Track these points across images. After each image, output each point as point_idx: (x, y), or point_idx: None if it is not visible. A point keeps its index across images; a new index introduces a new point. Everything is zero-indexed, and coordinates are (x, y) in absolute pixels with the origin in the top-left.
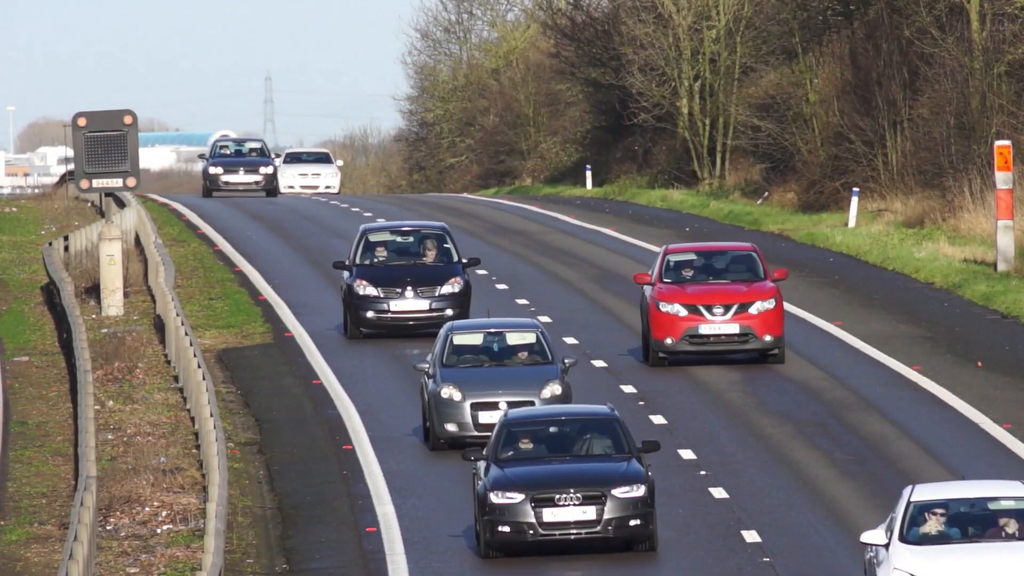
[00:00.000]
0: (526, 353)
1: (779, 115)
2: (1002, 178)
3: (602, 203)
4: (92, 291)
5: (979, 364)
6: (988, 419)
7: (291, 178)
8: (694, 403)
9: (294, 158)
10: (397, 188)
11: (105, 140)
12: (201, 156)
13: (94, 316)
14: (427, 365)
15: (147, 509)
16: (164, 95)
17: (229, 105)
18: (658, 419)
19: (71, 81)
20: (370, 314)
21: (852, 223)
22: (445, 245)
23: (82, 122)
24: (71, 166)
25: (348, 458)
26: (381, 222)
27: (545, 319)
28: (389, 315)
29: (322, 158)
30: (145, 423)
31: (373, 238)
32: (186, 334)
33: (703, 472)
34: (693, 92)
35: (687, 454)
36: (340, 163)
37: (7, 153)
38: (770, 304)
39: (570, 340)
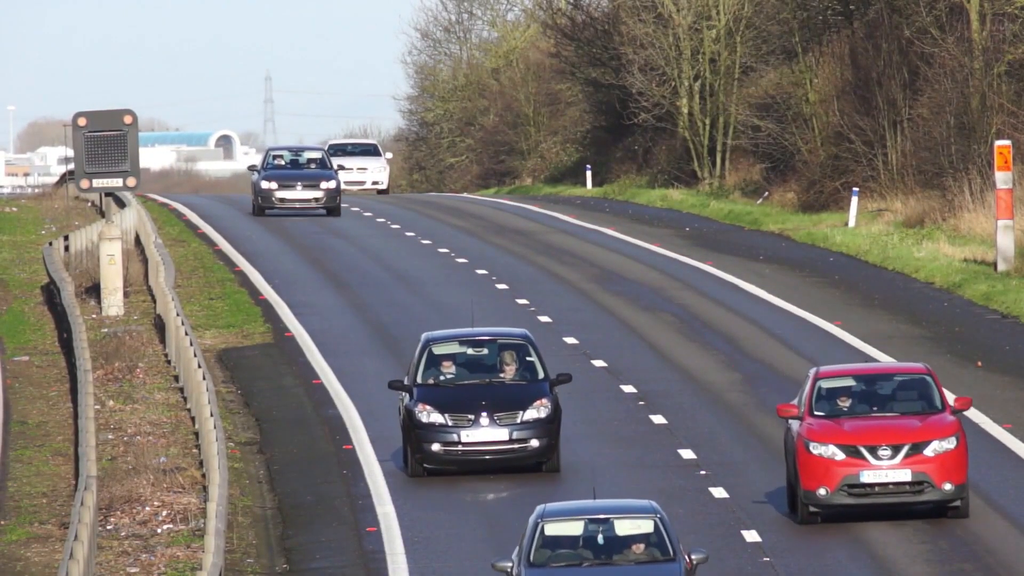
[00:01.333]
0: (642, 546)
1: (779, 115)
2: (1002, 178)
3: (602, 203)
4: (92, 291)
5: (979, 364)
6: (988, 419)
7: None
8: (694, 403)
9: (337, 150)
10: (397, 188)
11: (105, 140)
12: (252, 168)
13: (94, 316)
14: (510, 564)
15: (147, 509)
16: (164, 95)
17: (229, 105)
18: (658, 419)
19: (71, 81)
20: (436, 447)
21: (852, 223)
22: (528, 358)
23: (82, 122)
24: (71, 166)
25: (348, 458)
26: (446, 331)
27: (545, 319)
28: (460, 448)
29: (369, 150)
30: (145, 423)
31: (438, 350)
32: (186, 334)
33: (703, 472)
34: (693, 92)
35: (687, 454)
36: (389, 155)
37: (7, 153)
38: (950, 444)
39: (570, 340)
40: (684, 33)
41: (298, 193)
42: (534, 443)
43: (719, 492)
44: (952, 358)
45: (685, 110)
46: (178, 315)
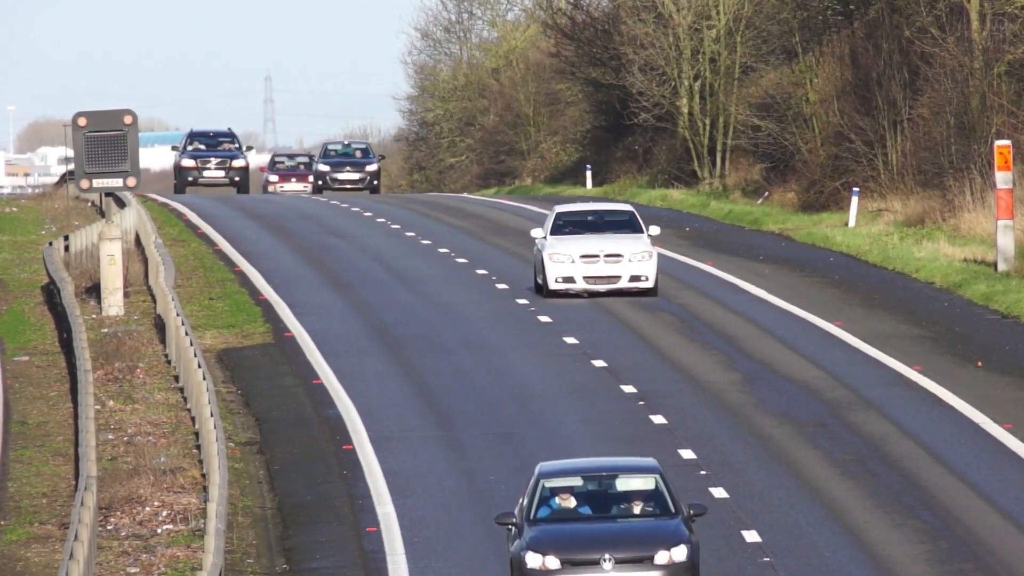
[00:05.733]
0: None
1: (779, 115)
2: (1002, 178)
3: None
4: (92, 291)
5: (979, 364)
6: (988, 419)
7: (564, 264)
8: (694, 403)
9: (571, 223)
10: (397, 188)
11: (105, 140)
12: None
13: (94, 316)
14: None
15: (147, 509)
16: (164, 95)
17: (229, 105)
18: (658, 419)
19: (71, 81)
20: None
21: (852, 223)
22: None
23: (82, 122)
24: (71, 166)
25: (348, 458)
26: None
27: (545, 319)
28: None
29: (626, 221)
30: (145, 423)
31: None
32: (186, 334)
33: (703, 472)
34: (693, 92)
35: (687, 454)
36: (656, 230)
37: (7, 153)
38: None
39: (570, 340)
40: (684, 33)
41: None
42: None
43: (719, 492)
44: (952, 358)
45: (685, 110)
46: (178, 315)
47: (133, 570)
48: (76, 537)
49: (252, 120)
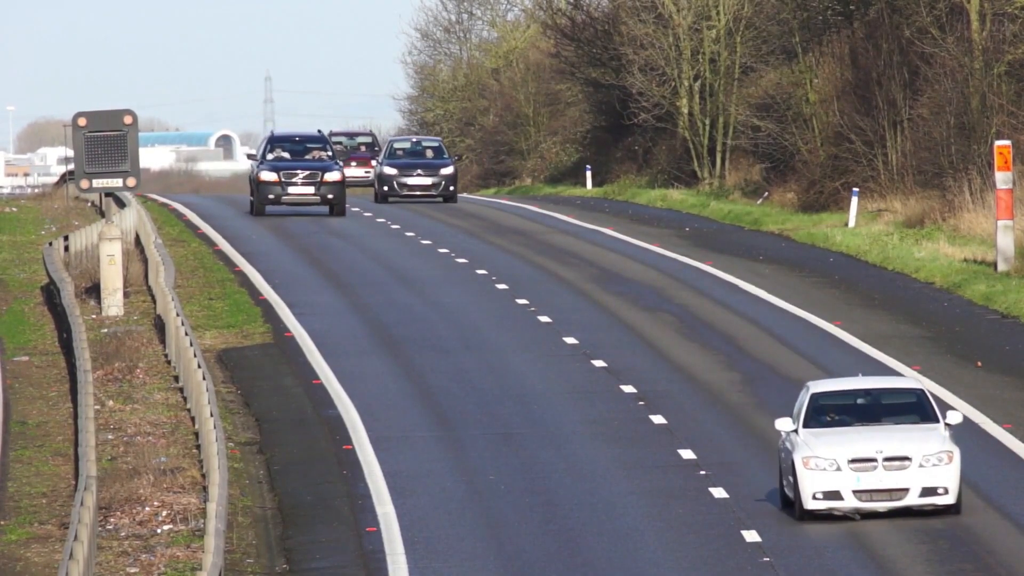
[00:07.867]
0: None
1: (779, 115)
2: (1002, 178)
3: (602, 203)
4: (92, 291)
5: (979, 364)
6: (988, 419)
7: (826, 473)
8: (694, 403)
9: (830, 409)
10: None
11: (105, 140)
12: None
13: (94, 316)
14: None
15: (147, 509)
16: (164, 95)
17: (229, 105)
18: (658, 419)
19: (71, 81)
20: None
21: (852, 223)
22: None
23: (82, 122)
24: (71, 166)
25: (348, 458)
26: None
27: (545, 319)
28: None
29: (908, 405)
30: (145, 423)
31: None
32: (186, 334)
33: (703, 472)
34: (693, 92)
35: (687, 454)
36: (958, 419)
37: (7, 153)
38: None
39: (570, 340)
40: (684, 33)
41: None
42: None
43: (719, 492)
44: (952, 358)
45: (685, 110)
46: (178, 315)
47: (133, 570)
48: (76, 537)
49: (252, 120)
